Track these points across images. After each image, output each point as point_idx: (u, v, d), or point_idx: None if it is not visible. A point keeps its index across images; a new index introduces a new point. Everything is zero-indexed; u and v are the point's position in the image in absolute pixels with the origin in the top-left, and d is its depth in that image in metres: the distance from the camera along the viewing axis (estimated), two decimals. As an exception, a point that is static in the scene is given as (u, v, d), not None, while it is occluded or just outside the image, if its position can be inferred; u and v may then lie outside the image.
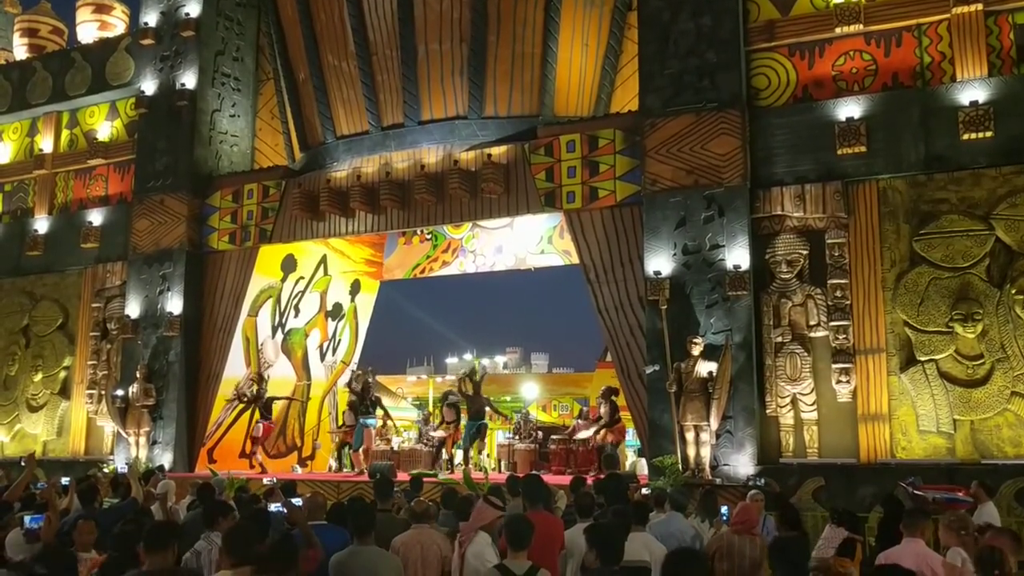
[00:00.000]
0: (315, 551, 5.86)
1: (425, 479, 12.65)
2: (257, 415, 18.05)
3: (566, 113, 16.18)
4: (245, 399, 18.04)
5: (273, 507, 7.55)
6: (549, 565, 6.51)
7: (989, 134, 12.13)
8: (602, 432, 15.88)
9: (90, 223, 19.44)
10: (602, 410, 16.11)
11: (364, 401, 17.54)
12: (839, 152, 12.90)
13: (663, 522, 7.72)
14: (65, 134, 20.95)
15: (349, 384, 18.28)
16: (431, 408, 27.01)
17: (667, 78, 13.90)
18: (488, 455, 17.76)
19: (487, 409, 17.23)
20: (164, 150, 18.57)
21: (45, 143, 20.89)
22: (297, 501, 7.81)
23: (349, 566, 5.75)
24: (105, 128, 20.30)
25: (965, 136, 12.24)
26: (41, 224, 20.29)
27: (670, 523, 7.53)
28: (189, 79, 18.66)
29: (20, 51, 22.37)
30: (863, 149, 12.79)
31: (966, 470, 11.37)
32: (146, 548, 4.87)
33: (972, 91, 12.35)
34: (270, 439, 18.58)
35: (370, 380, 17.98)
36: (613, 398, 15.79)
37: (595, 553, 4.97)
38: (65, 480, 12.67)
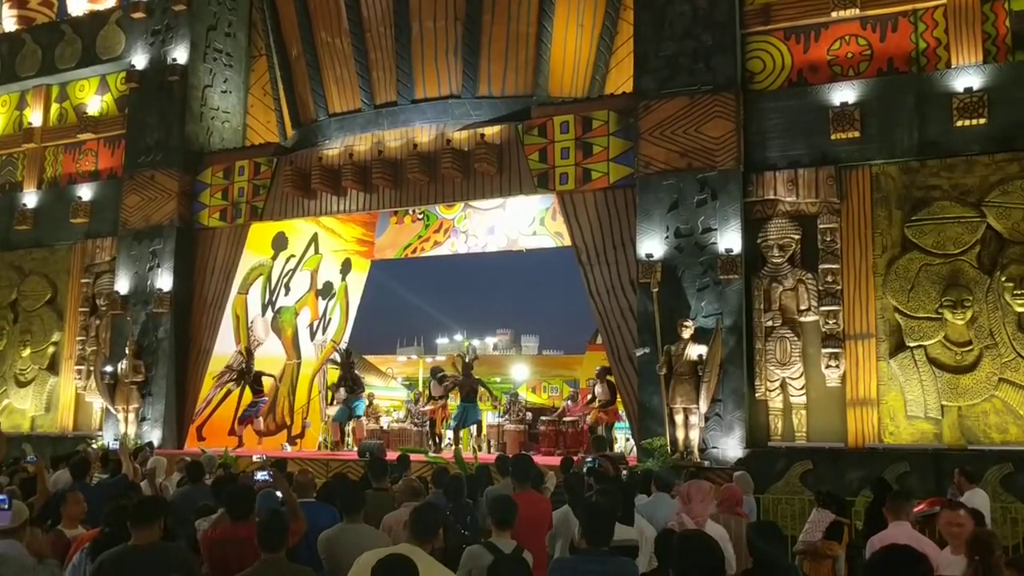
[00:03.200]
0: (298, 524, 5.88)
1: (412, 457, 12.71)
2: (248, 392, 18.00)
3: (560, 94, 16.11)
4: (235, 374, 18.00)
5: (259, 475, 7.54)
6: (536, 544, 6.56)
7: (983, 121, 12.12)
8: (595, 413, 15.94)
9: (80, 198, 19.32)
10: (597, 389, 16.14)
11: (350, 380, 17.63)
12: (833, 137, 12.88)
13: (649, 503, 7.74)
14: (55, 108, 20.77)
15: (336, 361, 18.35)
16: (420, 388, 27.07)
17: (662, 60, 13.84)
18: (480, 435, 17.88)
19: (480, 390, 17.25)
20: (155, 126, 18.43)
21: (34, 116, 20.71)
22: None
23: (338, 543, 5.76)
24: (95, 102, 20.13)
25: (959, 123, 12.24)
26: (30, 198, 20.15)
27: (656, 505, 7.56)
28: (180, 54, 18.51)
29: (9, 23, 22.10)
30: (857, 134, 12.78)
31: (952, 456, 11.45)
32: (132, 523, 4.88)
33: (967, 78, 12.33)
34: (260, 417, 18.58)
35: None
36: (609, 378, 15.86)
37: (582, 533, 5.00)
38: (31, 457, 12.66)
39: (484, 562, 5.27)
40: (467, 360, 17.31)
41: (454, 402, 18.12)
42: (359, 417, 17.78)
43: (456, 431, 16.88)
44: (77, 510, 6.57)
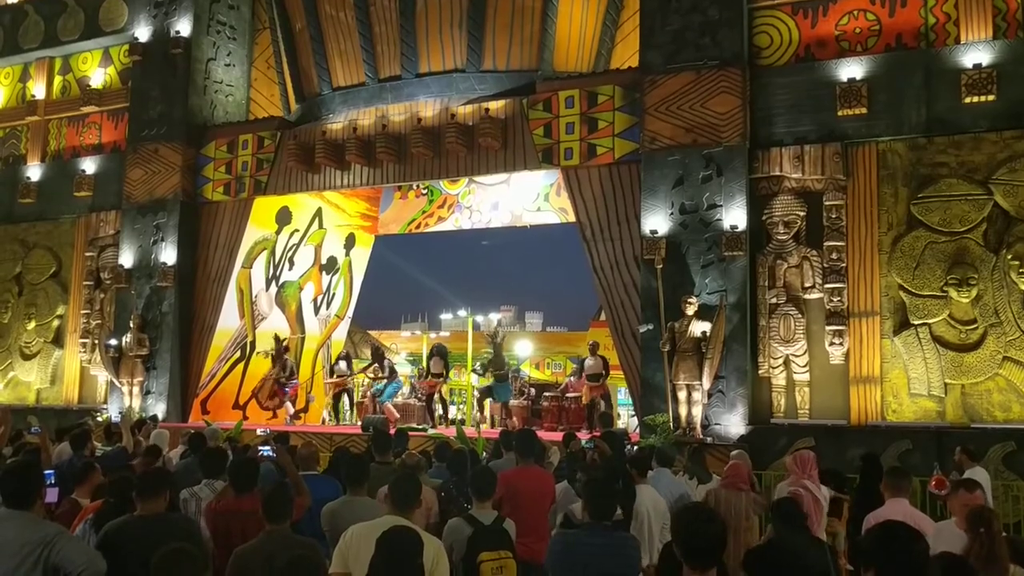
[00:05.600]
0: (303, 499, 5.91)
1: (412, 433, 12.76)
2: (272, 370, 18.14)
3: (566, 68, 16.00)
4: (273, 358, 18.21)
5: (263, 450, 7.57)
6: (539, 518, 6.61)
7: (991, 98, 12.03)
8: (587, 389, 16.00)
9: (83, 171, 19.29)
10: (588, 363, 16.17)
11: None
12: (839, 113, 12.80)
13: (651, 479, 7.77)
14: (58, 80, 20.69)
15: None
16: (424, 364, 27.15)
17: (668, 34, 13.73)
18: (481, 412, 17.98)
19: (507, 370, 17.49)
20: (158, 98, 18.36)
21: (37, 89, 20.63)
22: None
23: (341, 516, 5.79)
24: (98, 75, 20.03)
25: (967, 99, 12.14)
26: (34, 171, 20.13)
27: (658, 480, 7.59)
28: (184, 26, 18.39)
29: (12, -6, 22.00)
30: (864, 111, 12.69)
31: (955, 434, 11.46)
32: (139, 494, 4.91)
33: (976, 54, 12.22)
34: (264, 390, 18.64)
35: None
36: (600, 352, 15.94)
37: (584, 507, 5.04)
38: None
39: (464, 534, 5.31)
40: (497, 340, 17.51)
41: (459, 378, 18.24)
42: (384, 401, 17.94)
43: (480, 402, 17.07)
44: (98, 481, 6.61)
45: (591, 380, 15.90)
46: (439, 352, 18.12)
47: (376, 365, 18.06)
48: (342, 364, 18.31)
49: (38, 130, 20.47)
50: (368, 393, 18.43)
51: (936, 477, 9.05)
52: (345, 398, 18.60)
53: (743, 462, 8.33)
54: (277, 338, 18.23)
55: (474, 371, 17.91)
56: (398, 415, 16.79)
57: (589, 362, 16.12)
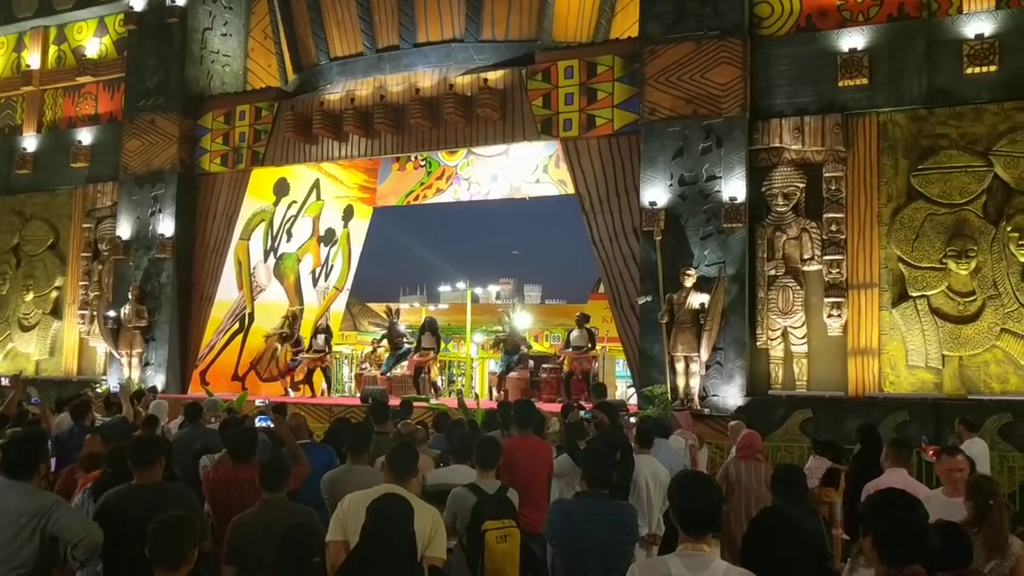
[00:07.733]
0: (302, 468, 5.93)
1: (415, 403, 12.80)
2: (290, 352, 18.31)
3: (565, 38, 15.87)
4: (285, 336, 18.29)
5: (259, 420, 7.60)
6: (538, 488, 6.63)
7: (993, 68, 11.94)
8: (568, 359, 16.11)
9: (80, 142, 19.17)
10: (573, 335, 16.24)
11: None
12: (840, 84, 12.71)
13: (652, 449, 7.80)
14: (53, 50, 20.51)
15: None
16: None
17: (669, 4, 13.60)
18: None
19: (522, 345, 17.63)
20: (154, 69, 18.19)
21: (32, 59, 20.46)
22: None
23: (341, 484, 5.80)
24: (94, 45, 19.86)
25: (969, 70, 12.05)
26: (30, 142, 20.01)
27: (657, 450, 7.61)
28: (179, -5, 18.19)
29: (5, -37, 21.76)
30: (865, 81, 12.61)
31: (952, 405, 11.50)
32: (134, 464, 4.92)
33: (979, 24, 12.12)
34: (262, 363, 18.70)
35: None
36: (587, 325, 16.01)
37: (583, 476, 5.06)
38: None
39: (468, 503, 5.32)
40: (510, 315, 17.71)
41: (458, 351, 18.29)
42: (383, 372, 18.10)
43: (501, 378, 17.22)
44: (99, 451, 6.62)
45: (574, 351, 16.00)
46: (430, 327, 18.11)
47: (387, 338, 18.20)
48: (320, 339, 18.26)
49: (34, 100, 20.33)
50: (369, 363, 18.54)
51: (933, 448, 9.09)
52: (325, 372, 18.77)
53: (752, 432, 8.38)
54: (294, 316, 18.35)
55: (495, 347, 18.03)
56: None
57: (575, 333, 16.21)
